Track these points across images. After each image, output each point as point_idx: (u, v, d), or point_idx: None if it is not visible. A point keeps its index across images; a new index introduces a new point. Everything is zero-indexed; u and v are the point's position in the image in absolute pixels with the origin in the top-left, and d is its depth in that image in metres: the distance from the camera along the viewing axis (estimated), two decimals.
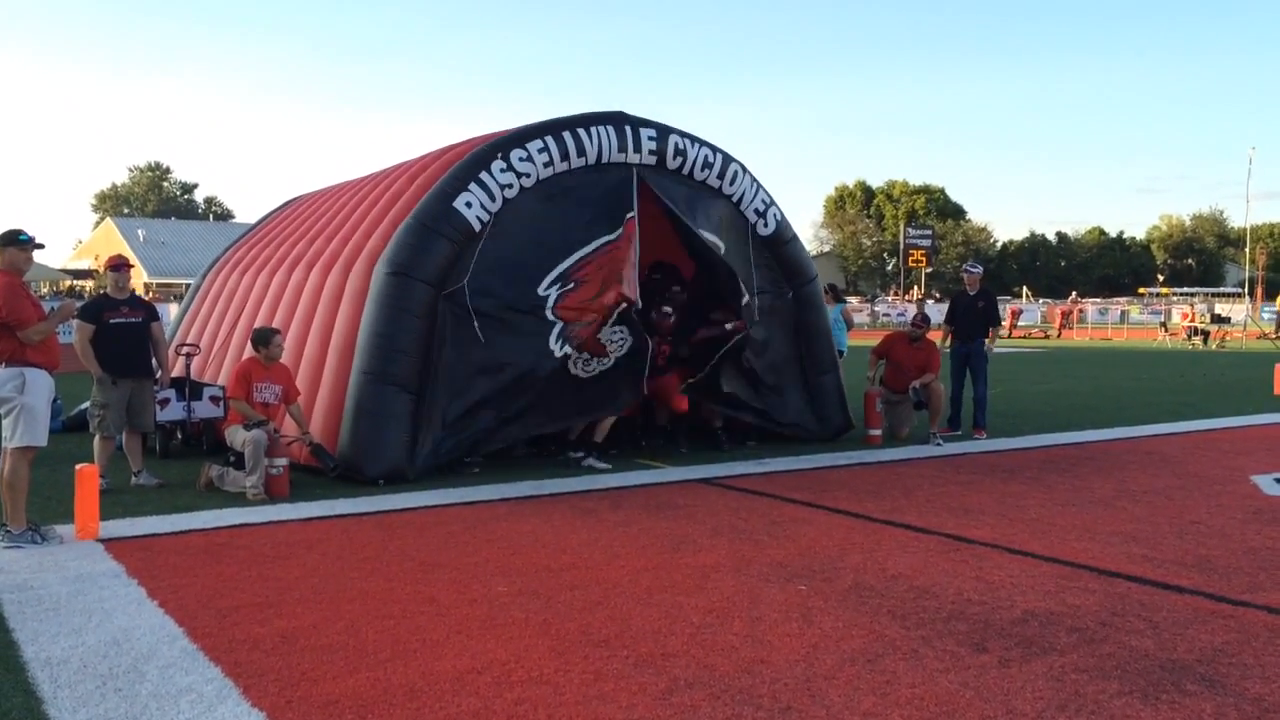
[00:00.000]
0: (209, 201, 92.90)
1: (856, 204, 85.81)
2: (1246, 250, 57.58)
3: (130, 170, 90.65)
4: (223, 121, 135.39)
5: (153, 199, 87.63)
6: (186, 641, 4.48)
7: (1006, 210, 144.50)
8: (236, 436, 7.87)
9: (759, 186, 10.07)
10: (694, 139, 9.58)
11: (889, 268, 78.21)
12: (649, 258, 10.73)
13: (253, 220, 14.25)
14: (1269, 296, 60.70)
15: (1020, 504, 7.43)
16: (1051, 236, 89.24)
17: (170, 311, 20.01)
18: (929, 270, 56.88)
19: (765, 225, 10.09)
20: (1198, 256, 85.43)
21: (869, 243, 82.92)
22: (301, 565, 5.77)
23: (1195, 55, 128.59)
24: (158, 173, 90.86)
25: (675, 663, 4.19)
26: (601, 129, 9.03)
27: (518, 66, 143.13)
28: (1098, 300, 57.78)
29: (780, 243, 10.23)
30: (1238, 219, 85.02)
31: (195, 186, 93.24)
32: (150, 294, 42.54)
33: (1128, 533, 6.53)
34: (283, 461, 7.74)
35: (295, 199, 13.52)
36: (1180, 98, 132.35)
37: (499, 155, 8.68)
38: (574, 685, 3.95)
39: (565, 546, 6.19)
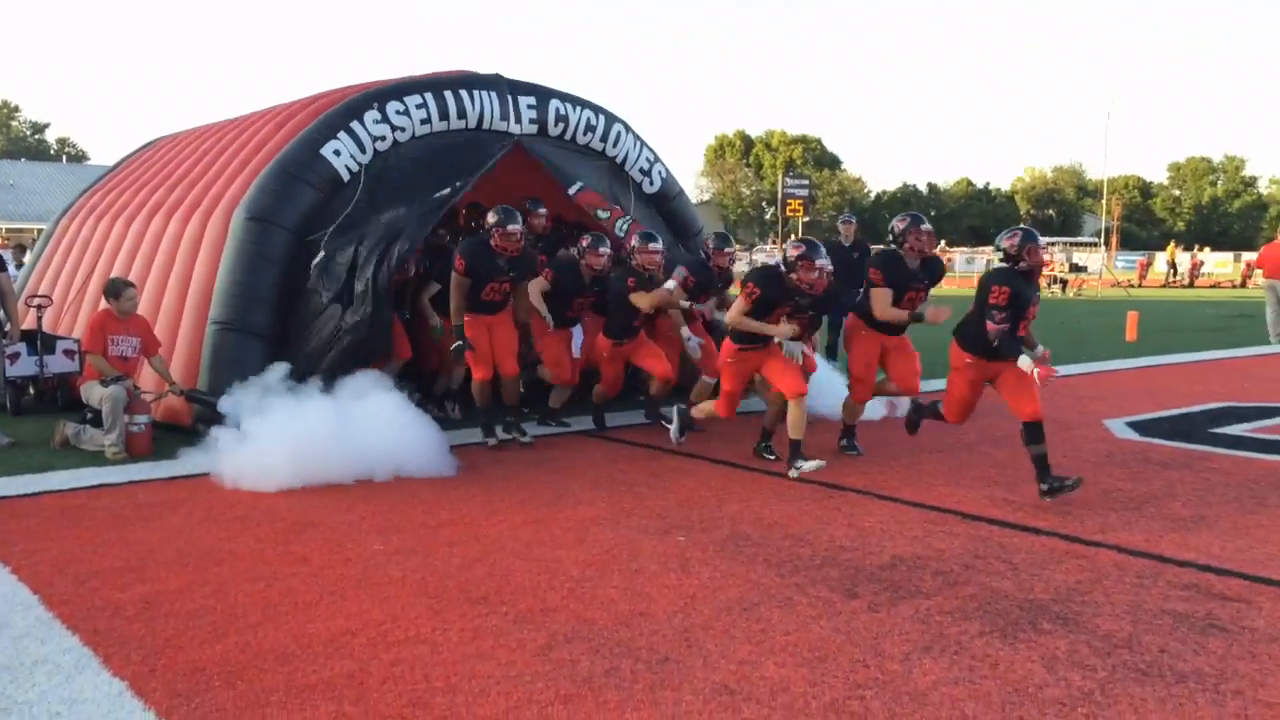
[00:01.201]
0: (62, 143, 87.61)
1: (736, 153, 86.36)
2: (1104, 201, 60.18)
3: None
4: (76, 57, 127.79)
5: (0, 139, 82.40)
6: (42, 609, 4.29)
7: (880, 161, 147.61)
8: (93, 393, 7.51)
9: (642, 145, 10.03)
10: (575, 101, 9.44)
11: (768, 216, 79.15)
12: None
13: (110, 163, 13.50)
14: (1123, 246, 63.75)
15: (890, 451, 7.66)
16: (923, 187, 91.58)
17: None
18: (806, 219, 57.83)
19: (650, 184, 10.08)
20: (1058, 207, 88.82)
21: (748, 191, 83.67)
22: (165, 527, 5.56)
23: (1059, 8, 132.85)
24: (5, 111, 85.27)
25: (555, 617, 4.20)
26: (484, 94, 8.83)
27: (390, 10, 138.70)
28: (965, 249, 59.68)
29: (666, 199, 10.24)
30: (1095, 172, 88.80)
31: (47, 126, 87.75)
32: None
33: (990, 477, 6.80)
34: (144, 418, 7.42)
35: (155, 141, 12.85)
36: (1044, 50, 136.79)
37: (374, 105, 8.41)
38: (452, 644, 3.92)
39: (443, 502, 6.11)
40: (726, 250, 8.53)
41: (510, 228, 7.44)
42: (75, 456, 7.35)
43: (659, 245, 7.88)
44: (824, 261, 6.73)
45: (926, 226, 7.35)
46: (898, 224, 7.36)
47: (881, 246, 7.40)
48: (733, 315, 6.86)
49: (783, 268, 6.81)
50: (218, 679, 3.61)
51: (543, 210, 9.24)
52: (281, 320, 7.92)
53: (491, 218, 7.52)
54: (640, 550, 5.14)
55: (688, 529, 5.53)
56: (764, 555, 5.06)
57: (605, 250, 8.05)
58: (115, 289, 7.72)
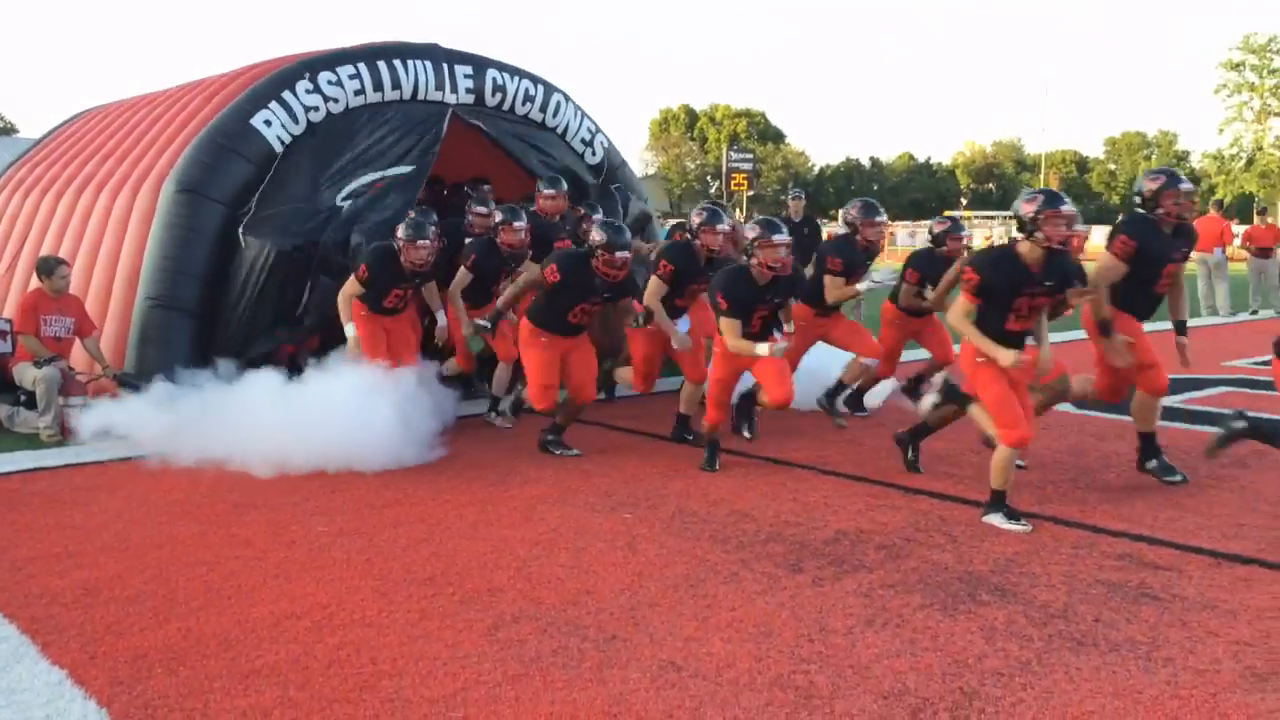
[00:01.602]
0: None
1: (680, 127, 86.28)
2: (1041, 175, 61.17)
3: None
4: (3, 26, 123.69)
5: None
6: None
7: (824, 135, 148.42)
8: (26, 375, 7.34)
9: (583, 115, 9.99)
10: (513, 71, 9.39)
11: (712, 190, 79.21)
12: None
13: (38, 135, 13.13)
14: None
15: (832, 426, 7.72)
16: (866, 162, 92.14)
17: None
18: (750, 193, 58.11)
19: (593, 154, 10.06)
20: (997, 181, 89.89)
21: (693, 165, 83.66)
22: (103, 510, 5.46)
23: None
24: None
25: (502, 597, 4.20)
26: (418, 63, 8.75)
27: None
28: (907, 223, 60.21)
29: (609, 169, 10.22)
30: (1033, 146, 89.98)
31: None
32: None
33: (931, 450, 6.88)
34: (79, 400, 7.27)
35: (85, 112, 12.52)
36: (983, 24, 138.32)
37: (305, 76, 8.30)
38: (398, 626, 3.91)
39: (388, 481, 6.07)
40: (877, 220, 7.31)
41: (618, 255, 6.33)
42: (9, 439, 7.19)
43: (783, 237, 6.05)
44: (1069, 208, 5.09)
45: (1186, 185, 5.67)
46: (1149, 184, 5.71)
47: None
48: (955, 318, 5.35)
49: (1016, 236, 5.16)
50: (159, 666, 3.56)
51: (549, 191, 8.28)
52: (212, 298, 7.79)
53: (598, 236, 6.41)
54: (587, 528, 5.15)
55: (634, 506, 5.55)
56: (710, 531, 5.10)
57: (723, 226, 6.82)
58: (48, 267, 7.53)
